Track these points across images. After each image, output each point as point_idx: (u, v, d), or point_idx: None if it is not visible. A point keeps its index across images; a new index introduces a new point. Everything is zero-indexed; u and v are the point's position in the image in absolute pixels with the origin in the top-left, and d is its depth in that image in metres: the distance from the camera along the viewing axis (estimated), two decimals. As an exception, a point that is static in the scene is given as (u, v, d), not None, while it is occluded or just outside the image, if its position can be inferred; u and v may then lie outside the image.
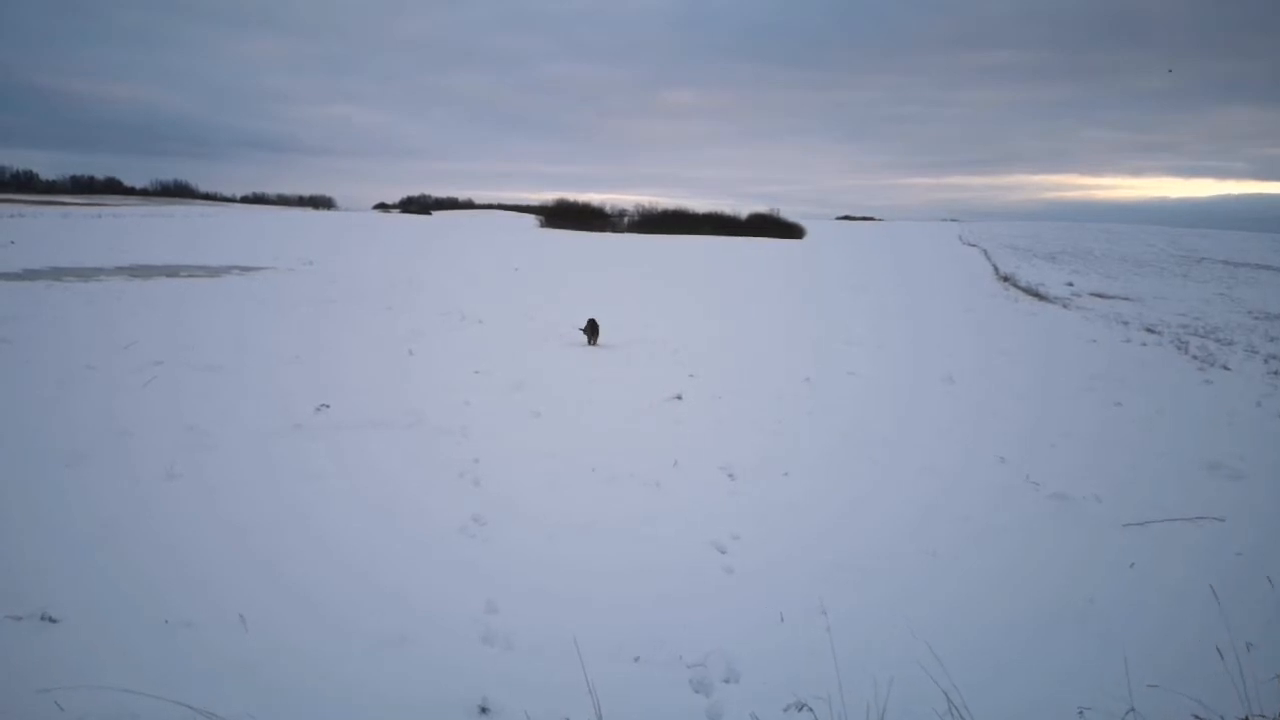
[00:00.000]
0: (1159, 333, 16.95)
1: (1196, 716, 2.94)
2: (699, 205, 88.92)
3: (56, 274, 18.46)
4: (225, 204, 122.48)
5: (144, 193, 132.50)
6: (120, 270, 20.25)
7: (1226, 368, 12.86)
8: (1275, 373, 12.48)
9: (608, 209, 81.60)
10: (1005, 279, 30.86)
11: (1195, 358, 13.68)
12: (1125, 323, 18.56)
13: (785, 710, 3.27)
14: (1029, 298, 24.72)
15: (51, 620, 3.72)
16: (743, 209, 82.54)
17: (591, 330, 12.58)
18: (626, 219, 79.06)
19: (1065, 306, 22.27)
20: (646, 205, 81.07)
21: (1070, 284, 28.41)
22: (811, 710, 3.14)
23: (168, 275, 19.80)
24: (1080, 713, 3.17)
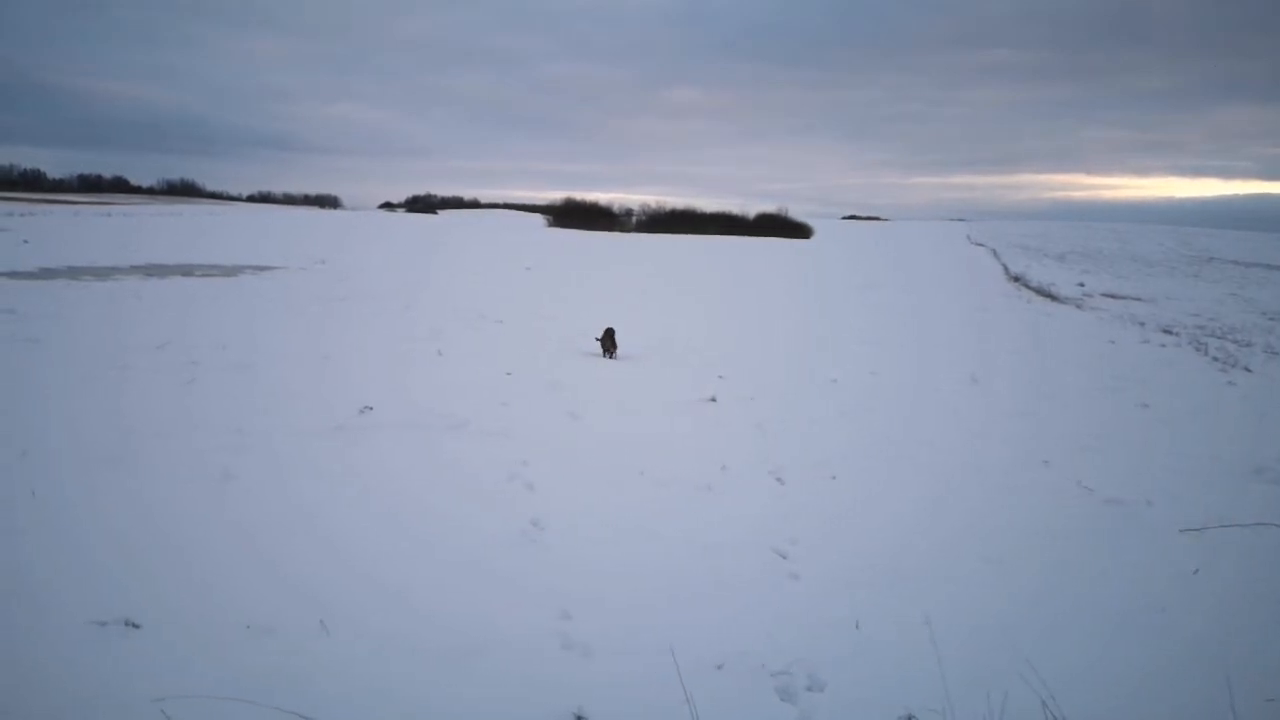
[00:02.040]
0: (1176, 334, 16.96)
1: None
2: (705, 204, 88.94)
3: (73, 273, 18.49)
4: (232, 203, 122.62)
5: (151, 191, 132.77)
6: (136, 269, 20.28)
7: (1248, 369, 12.87)
8: (1299, 375, 12.49)
9: (615, 208, 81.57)
10: (1016, 279, 30.86)
11: (1215, 359, 13.69)
12: (1141, 323, 18.56)
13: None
14: (1041, 298, 24.71)
15: (134, 626, 3.73)
16: (748, 208, 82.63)
17: (608, 341, 11.53)
18: (634, 218, 79.00)
19: (1078, 307, 22.28)
20: (654, 205, 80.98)
21: (1081, 284, 28.41)
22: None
23: (183, 274, 19.83)
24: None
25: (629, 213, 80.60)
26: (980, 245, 51.79)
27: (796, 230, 72.88)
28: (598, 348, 11.65)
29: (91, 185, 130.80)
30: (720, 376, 10.29)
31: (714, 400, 8.98)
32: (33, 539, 4.55)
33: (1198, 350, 14.67)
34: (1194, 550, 5.24)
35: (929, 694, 3.39)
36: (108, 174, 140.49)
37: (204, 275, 19.89)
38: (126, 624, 3.73)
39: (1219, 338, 16.55)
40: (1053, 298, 24.67)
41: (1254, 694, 3.41)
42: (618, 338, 11.69)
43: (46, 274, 18.10)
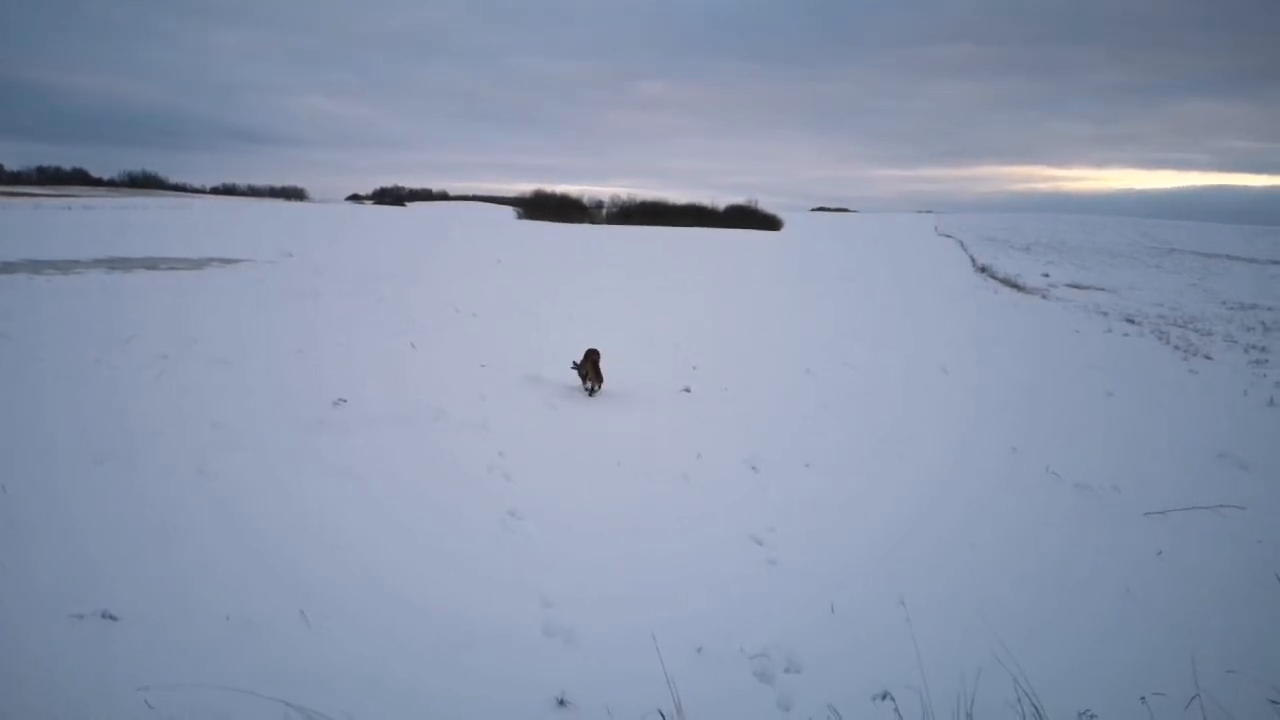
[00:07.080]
0: (1138, 323, 17.28)
1: (1273, 701, 3.07)
2: (675, 196, 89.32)
3: (35, 267, 18.13)
4: (195, 195, 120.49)
5: (112, 184, 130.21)
6: (99, 262, 19.91)
7: (1209, 357, 13.15)
8: (1256, 362, 12.79)
9: (585, 201, 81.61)
10: (983, 270, 31.25)
11: (1177, 348, 13.96)
12: (1104, 313, 18.88)
13: (873, 700, 3.36)
14: (1008, 288, 25.05)
15: (112, 618, 3.71)
16: (718, 200, 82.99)
17: (591, 369, 8.76)
18: (604, 211, 79.06)
19: (1044, 297, 22.61)
20: (624, 197, 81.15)
21: (1046, 275, 28.85)
22: (894, 699, 3.23)
23: (148, 268, 19.49)
24: (1143, 699, 3.28)
25: (599, 205, 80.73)
26: (948, 237, 52.38)
27: (766, 222, 73.24)
28: (572, 367, 8.99)
29: (50, 177, 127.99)
30: (694, 367, 10.35)
31: (688, 390, 9.03)
32: (3, 534, 4.49)
33: (1160, 339, 14.97)
34: (1158, 533, 5.40)
35: (904, 673, 3.47)
36: (67, 166, 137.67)
37: (170, 268, 19.57)
38: (104, 616, 3.71)
39: (1180, 327, 16.89)
40: (1019, 288, 25.02)
41: (1216, 667, 3.53)
42: (598, 349, 9.06)
43: (7, 268, 17.74)
